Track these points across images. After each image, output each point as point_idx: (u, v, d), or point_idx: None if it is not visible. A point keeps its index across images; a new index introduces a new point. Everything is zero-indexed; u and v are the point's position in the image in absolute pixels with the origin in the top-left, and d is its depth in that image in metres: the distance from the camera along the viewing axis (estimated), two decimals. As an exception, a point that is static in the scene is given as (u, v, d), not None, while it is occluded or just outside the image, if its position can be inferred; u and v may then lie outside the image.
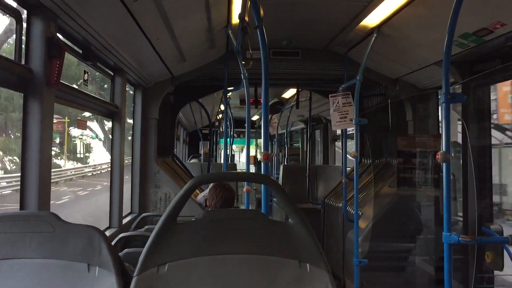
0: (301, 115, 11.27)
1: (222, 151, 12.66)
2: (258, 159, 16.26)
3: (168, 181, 5.84)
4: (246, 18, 3.45)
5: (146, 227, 4.42)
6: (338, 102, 5.73)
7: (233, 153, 16.59)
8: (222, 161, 14.24)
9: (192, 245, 1.89)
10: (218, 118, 14.03)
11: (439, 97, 3.10)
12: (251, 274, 1.89)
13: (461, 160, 4.41)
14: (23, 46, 2.78)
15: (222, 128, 12.16)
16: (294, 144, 16.36)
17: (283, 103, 10.07)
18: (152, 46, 4.28)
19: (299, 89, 8.17)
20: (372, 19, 4.40)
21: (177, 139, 13.35)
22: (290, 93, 9.40)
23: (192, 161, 11.07)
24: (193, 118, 10.52)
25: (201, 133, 13.93)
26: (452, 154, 3.50)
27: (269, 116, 11.42)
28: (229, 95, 8.38)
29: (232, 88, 6.67)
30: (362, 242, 5.15)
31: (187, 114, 10.86)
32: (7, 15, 2.76)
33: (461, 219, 4.43)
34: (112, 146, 4.80)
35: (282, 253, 1.91)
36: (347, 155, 6.50)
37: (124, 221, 5.02)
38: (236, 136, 16.07)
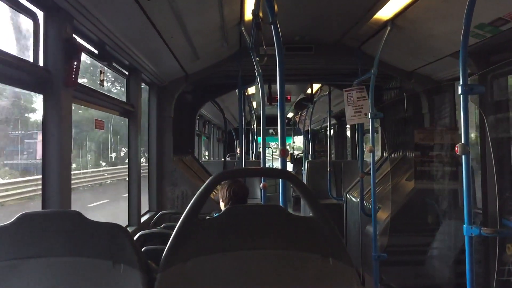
0: (331, 111, 11.27)
1: (260, 149, 12.71)
2: (295, 156, 16.28)
3: (185, 180, 5.87)
4: (260, 14, 3.44)
5: (164, 224, 4.45)
6: (352, 96, 5.70)
7: (259, 150, 16.65)
8: (254, 159, 14.38)
9: (215, 241, 1.89)
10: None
11: (459, 88, 3.05)
12: (274, 269, 1.88)
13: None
14: (40, 47, 2.81)
15: (256, 126, 12.18)
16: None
17: (309, 99, 10.04)
18: (166, 45, 4.30)
19: (313, 84, 8.15)
20: (385, 12, 4.35)
21: (208, 138, 13.40)
22: (315, 88, 9.34)
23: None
24: (222, 118, 10.51)
25: (234, 132, 13.90)
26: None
27: (298, 113, 11.40)
28: (252, 93, 8.36)
29: (247, 85, 6.67)
30: (380, 236, 5.13)
31: (217, 114, 10.84)
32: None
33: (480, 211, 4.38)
34: (128, 145, 4.84)
35: (304, 248, 1.90)
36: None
37: (143, 219, 5.07)
38: (274, 133, 15.93)
